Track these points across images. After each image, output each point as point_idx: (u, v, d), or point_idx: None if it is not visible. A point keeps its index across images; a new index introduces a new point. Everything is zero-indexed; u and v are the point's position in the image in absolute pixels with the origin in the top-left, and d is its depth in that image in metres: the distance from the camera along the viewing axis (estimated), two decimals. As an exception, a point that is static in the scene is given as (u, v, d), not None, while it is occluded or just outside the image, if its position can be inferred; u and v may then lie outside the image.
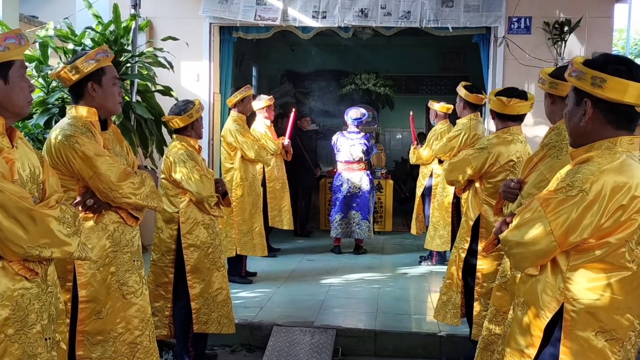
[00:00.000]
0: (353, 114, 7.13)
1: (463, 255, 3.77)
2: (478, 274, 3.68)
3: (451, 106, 6.26)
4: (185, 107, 3.82)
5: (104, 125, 2.85)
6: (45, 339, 2.07)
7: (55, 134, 2.70)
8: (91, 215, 2.72)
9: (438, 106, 6.44)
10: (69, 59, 4.25)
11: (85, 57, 2.71)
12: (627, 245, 1.82)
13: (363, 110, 7.25)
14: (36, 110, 4.14)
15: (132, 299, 2.79)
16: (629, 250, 1.83)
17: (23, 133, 3.99)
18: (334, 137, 7.24)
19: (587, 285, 1.85)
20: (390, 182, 8.58)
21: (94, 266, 2.70)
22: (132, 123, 4.49)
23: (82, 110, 2.75)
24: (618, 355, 1.85)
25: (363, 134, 7.20)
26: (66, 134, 2.66)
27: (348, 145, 7.07)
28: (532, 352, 1.95)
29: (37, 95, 4.25)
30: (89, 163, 2.65)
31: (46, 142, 2.74)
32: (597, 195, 1.78)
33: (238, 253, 5.63)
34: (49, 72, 4.27)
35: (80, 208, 2.69)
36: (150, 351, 2.85)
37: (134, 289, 2.81)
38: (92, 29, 4.51)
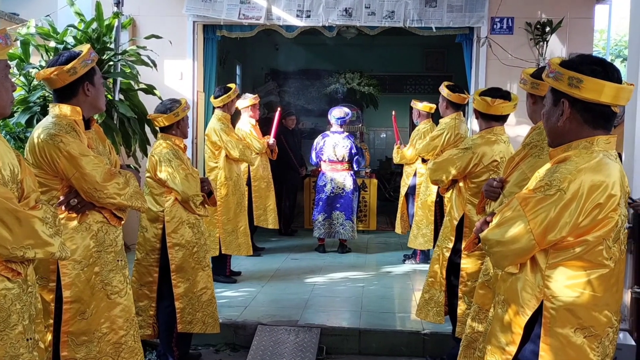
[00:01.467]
0: (337, 113, 7.15)
1: (447, 254, 3.80)
2: (462, 273, 3.71)
3: (434, 105, 6.30)
4: (171, 105, 3.81)
5: (87, 124, 2.84)
6: (27, 340, 2.06)
7: (38, 132, 2.67)
8: (75, 215, 2.71)
9: (421, 105, 6.48)
10: (51, 57, 4.25)
11: (82, 58, 2.71)
12: (604, 243, 1.85)
13: (347, 110, 7.27)
14: (17, 108, 4.09)
15: (116, 299, 2.79)
16: (606, 248, 1.86)
17: (4, 132, 3.96)
18: (316, 140, 7.24)
19: (566, 283, 1.87)
20: (375, 181, 8.61)
21: (78, 266, 2.69)
22: (115, 122, 4.46)
23: (66, 109, 2.74)
24: (597, 351, 1.88)
25: (347, 133, 7.22)
26: (51, 133, 2.64)
27: (331, 145, 7.08)
28: (513, 349, 1.97)
29: (18, 93, 4.20)
30: (73, 163, 2.64)
31: (29, 141, 2.71)
32: (575, 194, 1.81)
33: (223, 252, 5.62)
34: (31, 70, 4.23)
35: (63, 208, 2.68)
36: (134, 351, 2.85)
37: (118, 288, 2.80)
38: (75, 27, 4.47)
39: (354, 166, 7.13)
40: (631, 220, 3.63)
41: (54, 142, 2.62)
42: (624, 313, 3.74)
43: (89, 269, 2.72)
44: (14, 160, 2.13)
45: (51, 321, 2.67)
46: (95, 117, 3.13)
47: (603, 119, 1.92)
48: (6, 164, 2.06)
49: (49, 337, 2.67)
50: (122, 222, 2.88)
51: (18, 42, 4.30)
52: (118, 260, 2.83)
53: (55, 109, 2.76)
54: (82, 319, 2.69)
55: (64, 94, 2.76)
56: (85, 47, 2.80)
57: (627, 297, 3.73)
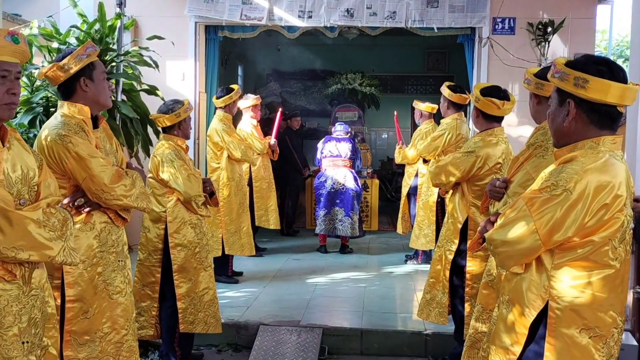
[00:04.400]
0: (339, 127, 7.39)
1: (450, 256, 3.78)
2: (468, 275, 3.70)
3: (436, 106, 6.29)
4: (173, 106, 3.81)
5: (95, 122, 2.84)
6: (23, 343, 2.04)
7: (47, 132, 2.69)
8: (80, 214, 2.71)
9: (423, 106, 6.47)
10: (53, 58, 4.25)
11: (76, 54, 2.70)
12: (610, 244, 1.85)
13: (347, 127, 7.48)
14: (20, 109, 4.10)
15: (118, 299, 2.79)
16: (612, 248, 1.86)
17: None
18: (320, 144, 7.39)
19: (572, 283, 1.87)
20: (376, 181, 8.61)
21: (82, 266, 2.69)
22: (118, 122, 4.47)
23: (75, 108, 2.74)
24: (602, 352, 1.88)
25: (348, 137, 7.36)
26: (60, 133, 2.64)
27: (334, 143, 7.23)
28: (517, 349, 1.97)
29: (21, 94, 4.20)
30: (82, 164, 2.65)
31: (37, 140, 2.72)
32: (581, 195, 1.81)
33: (226, 253, 5.62)
34: (34, 71, 4.23)
35: (69, 207, 2.68)
36: (133, 350, 2.87)
37: (120, 288, 2.81)
38: (77, 28, 4.48)
39: (351, 154, 7.25)
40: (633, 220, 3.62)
41: (63, 143, 2.63)
42: (626, 313, 3.74)
43: (92, 268, 2.72)
44: (31, 163, 2.13)
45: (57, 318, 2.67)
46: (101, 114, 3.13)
47: (609, 119, 1.91)
48: (18, 166, 2.06)
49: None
50: (127, 222, 2.88)
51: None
52: (119, 261, 2.84)
53: (63, 108, 2.76)
54: (85, 319, 2.70)
55: (65, 91, 2.77)
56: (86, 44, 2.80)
57: (629, 297, 3.73)
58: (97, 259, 2.74)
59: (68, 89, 2.75)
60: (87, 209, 2.71)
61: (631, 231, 1.94)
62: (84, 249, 2.69)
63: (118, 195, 2.71)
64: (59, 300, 2.65)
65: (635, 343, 3.48)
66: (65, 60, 2.68)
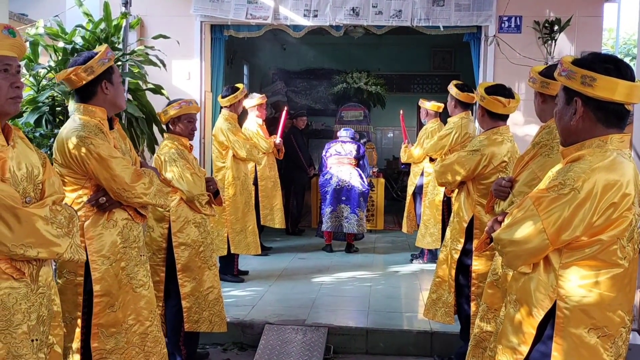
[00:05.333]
0: (343, 134, 7.40)
1: (456, 256, 3.77)
2: (474, 274, 3.68)
3: (442, 105, 6.28)
4: (173, 102, 3.89)
5: (110, 124, 2.92)
6: (32, 340, 2.05)
7: (67, 133, 2.76)
8: (103, 213, 2.82)
9: (429, 105, 6.46)
10: (60, 57, 4.26)
11: (98, 58, 2.78)
12: (618, 243, 1.84)
13: (352, 132, 7.49)
14: (26, 108, 4.11)
15: (141, 292, 2.92)
16: (620, 247, 1.84)
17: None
18: (325, 148, 7.44)
19: (580, 283, 1.86)
20: (382, 180, 8.60)
21: (107, 262, 2.81)
22: (123, 121, 4.47)
23: (93, 110, 2.82)
24: (610, 351, 1.86)
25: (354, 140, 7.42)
26: (81, 135, 2.73)
27: (340, 143, 7.27)
28: (525, 349, 1.96)
29: (27, 93, 4.22)
30: (104, 164, 2.74)
31: (58, 141, 2.80)
32: (589, 194, 1.80)
33: (232, 252, 5.62)
34: (40, 70, 4.24)
35: (92, 205, 2.79)
36: (158, 340, 2.98)
37: (143, 282, 2.94)
38: (83, 27, 4.48)
39: (356, 154, 7.28)
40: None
41: (84, 144, 2.72)
42: (634, 313, 3.72)
43: (116, 264, 2.83)
44: (35, 161, 2.15)
45: (79, 313, 2.80)
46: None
47: (616, 117, 1.90)
48: (23, 164, 2.09)
49: (77, 340, 2.80)
50: (146, 219, 3.02)
51: (27, 43, 4.31)
52: (141, 255, 2.96)
53: (80, 109, 2.83)
54: (111, 312, 2.81)
55: (85, 94, 2.84)
56: (102, 47, 2.87)
57: (637, 297, 3.71)
58: (121, 254, 2.85)
59: (88, 92, 2.83)
60: (109, 207, 2.81)
61: (639, 230, 1.93)
62: (108, 246, 2.81)
63: (138, 194, 2.82)
64: (81, 298, 2.79)
65: (642, 343, 3.46)
66: (89, 64, 2.76)
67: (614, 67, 1.86)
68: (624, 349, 1.91)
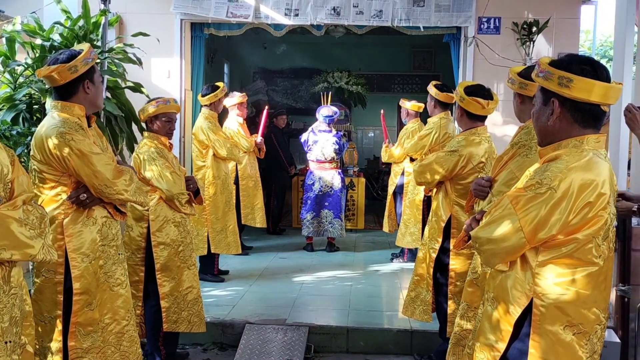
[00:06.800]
0: (325, 111, 7.16)
1: (434, 254, 3.80)
2: (451, 273, 3.72)
3: (422, 105, 6.31)
4: (151, 100, 3.87)
5: (87, 122, 2.90)
6: (6, 342, 2.03)
7: (47, 129, 2.74)
8: (82, 210, 2.81)
9: (409, 105, 6.49)
10: (37, 55, 4.20)
11: (82, 57, 2.77)
12: (594, 241, 1.86)
13: (334, 108, 7.29)
14: (3, 106, 4.05)
15: (118, 290, 2.92)
16: (595, 246, 1.87)
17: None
18: (304, 135, 7.21)
19: (556, 281, 1.89)
20: (363, 180, 8.62)
21: (87, 259, 2.80)
22: (102, 120, 4.42)
23: (72, 108, 2.81)
24: (585, 348, 1.89)
25: (335, 132, 7.21)
26: (61, 131, 2.71)
27: (320, 145, 7.08)
28: (502, 346, 1.98)
29: (3, 91, 4.15)
30: (85, 161, 2.74)
31: (36, 139, 2.77)
32: (565, 193, 1.82)
33: (212, 251, 5.59)
34: (16, 67, 4.18)
35: (72, 202, 2.78)
36: (134, 339, 2.99)
37: (120, 280, 2.94)
38: (61, 24, 4.42)
39: (337, 155, 7.16)
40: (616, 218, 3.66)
41: (64, 140, 2.70)
42: (609, 311, 3.78)
43: (95, 262, 2.84)
44: (4, 159, 2.12)
45: (59, 312, 2.78)
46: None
47: (593, 118, 1.93)
48: None
49: (58, 340, 2.77)
50: (125, 217, 3.03)
51: (3, 39, 4.25)
52: (119, 254, 2.97)
53: (58, 106, 2.81)
54: (89, 310, 2.81)
55: (65, 92, 2.83)
56: (85, 46, 2.86)
57: (613, 295, 3.77)
58: (100, 252, 2.85)
59: (69, 90, 2.82)
60: (89, 204, 2.81)
61: (614, 229, 1.96)
62: (88, 243, 2.81)
63: (120, 190, 2.82)
64: (61, 296, 2.78)
65: (617, 340, 3.52)
66: (73, 62, 2.75)
67: (591, 68, 1.89)
68: (599, 346, 1.94)
